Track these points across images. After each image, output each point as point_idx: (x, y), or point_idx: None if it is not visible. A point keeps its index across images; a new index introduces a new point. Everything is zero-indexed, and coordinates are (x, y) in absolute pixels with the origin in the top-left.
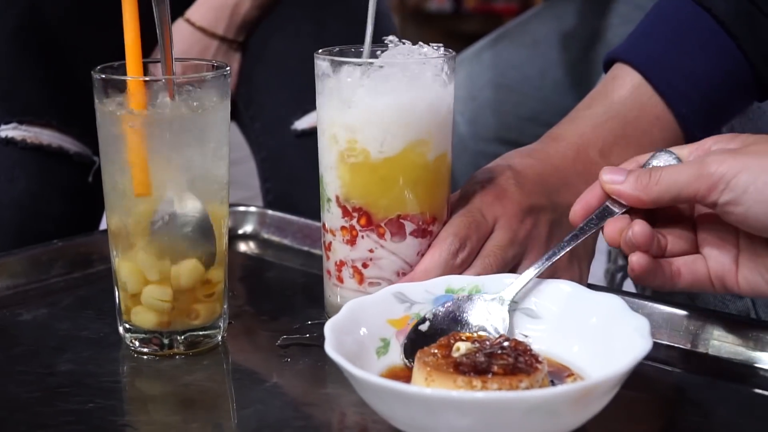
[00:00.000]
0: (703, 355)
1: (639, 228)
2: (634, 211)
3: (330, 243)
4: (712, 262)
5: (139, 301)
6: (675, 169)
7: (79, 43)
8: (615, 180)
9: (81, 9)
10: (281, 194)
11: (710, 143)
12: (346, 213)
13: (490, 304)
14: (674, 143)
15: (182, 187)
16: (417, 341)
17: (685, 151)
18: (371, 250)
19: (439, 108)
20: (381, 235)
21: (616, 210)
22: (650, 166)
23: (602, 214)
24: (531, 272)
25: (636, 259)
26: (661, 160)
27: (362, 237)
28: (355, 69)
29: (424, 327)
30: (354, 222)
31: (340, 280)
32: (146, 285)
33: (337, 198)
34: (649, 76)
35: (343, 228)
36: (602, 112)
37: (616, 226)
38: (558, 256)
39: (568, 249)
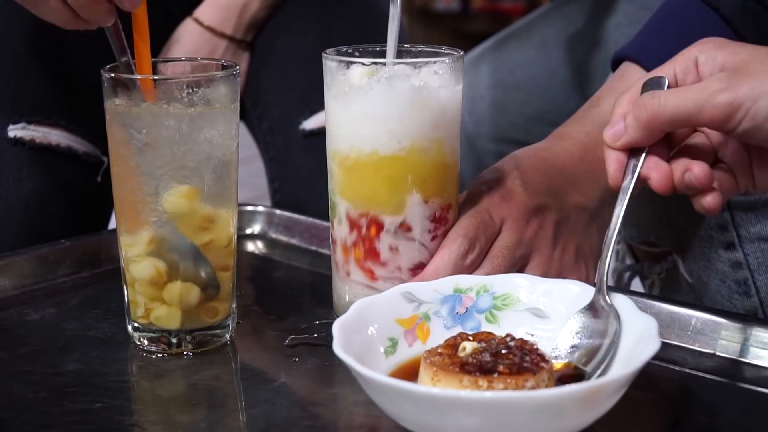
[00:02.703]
0: (711, 354)
1: (699, 169)
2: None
3: (337, 241)
4: (734, 171)
5: (161, 300)
6: (675, 94)
7: (87, 42)
8: (618, 133)
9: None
10: (289, 194)
11: (695, 51)
12: (354, 226)
13: None
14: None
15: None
16: None
17: (669, 67)
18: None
19: (448, 108)
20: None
21: (640, 155)
22: (646, 96)
23: (631, 165)
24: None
25: (710, 201)
26: (651, 87)
27: (374, 241)
28: (363, 69)
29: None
30: (364, 232)
31: (348, 273)
32: (171, 283)
33: (347, 214)
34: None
35: (354, 243)
36: (609, 111)
37: (661, 174)
38: (616, 231)
39: (622, 209)
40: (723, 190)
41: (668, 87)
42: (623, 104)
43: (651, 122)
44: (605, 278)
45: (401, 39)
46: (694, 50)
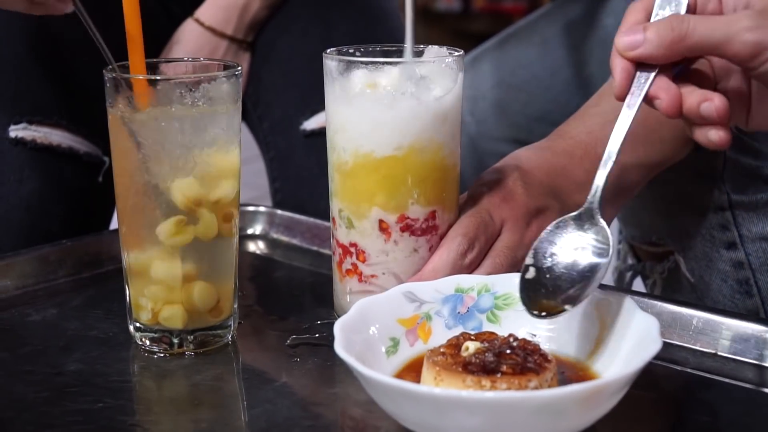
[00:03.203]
0: (712, 354)
1: (720, 102)
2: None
3: (337, 241)
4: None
5: (172, 301)
6: (704, 22)
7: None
8: (635, 43)
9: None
10: (290, 194)
11: None
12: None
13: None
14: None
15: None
16: (530, 289)
17: None
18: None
19: (449, 107)
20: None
21: (651, 72)
22: (669, 15)
23: (640, 81)
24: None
25: (723, 135)
26: (669, 2)
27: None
28: (364, 69)
29: (530, 275)
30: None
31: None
32: (189, 284)
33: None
34: None
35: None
36: (611, 110)
37: (671, 97)
38: (617, 147)
39: (626, 128)
40: None
41: (688, 7)
42: (638, 11)
43: (675, 44)
44: (600, 192)
45: (400, 39)
46: None
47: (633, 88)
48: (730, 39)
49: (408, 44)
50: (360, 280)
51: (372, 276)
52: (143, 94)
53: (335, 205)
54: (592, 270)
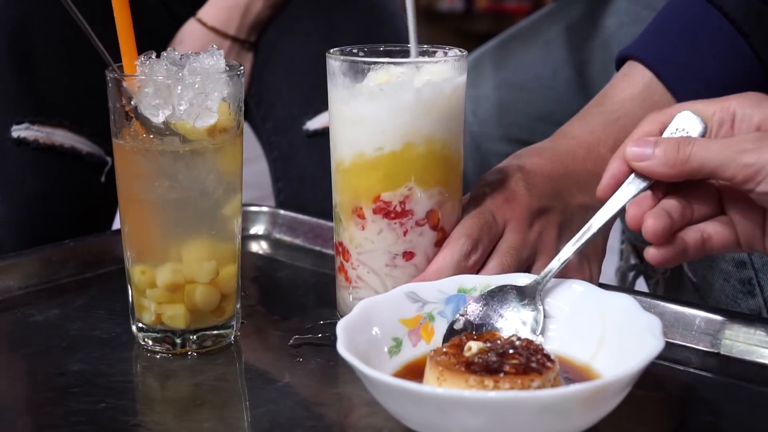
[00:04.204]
0: (715, 354)
1: (652, 224)
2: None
3: (339, 241)
4: (741, 227)
5: (175, 300)
6: (706, 146)
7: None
8: (642, 156)
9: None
10: (293, 194)
11: (734, 105)
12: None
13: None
14: None
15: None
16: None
17: (709, 110)
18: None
19: (452, 108)
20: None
21: (642, 183)
22: (677, 136)
23: (628, 188)
24: (565, 251)
25: (654, 254)
26: (685, 123)
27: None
28: (367, 69)
29: (458, 325)
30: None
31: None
32: (191, 285)
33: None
34: (661, 74)
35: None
36: (613, 110)
37: (638, 211)
38: (587, 237)
39: (599, 228)
40: (713, 243)
41: (703, 130)
42: (653, 123)
43: (678, 165)
44: (552, 274)
45: (403, 39)
46: (733, 103)
47: (623, 188)
48: (727, 162)
49: (412, 44)
50: (347, 279)
51: (357, 276)
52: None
53: (336, 204)
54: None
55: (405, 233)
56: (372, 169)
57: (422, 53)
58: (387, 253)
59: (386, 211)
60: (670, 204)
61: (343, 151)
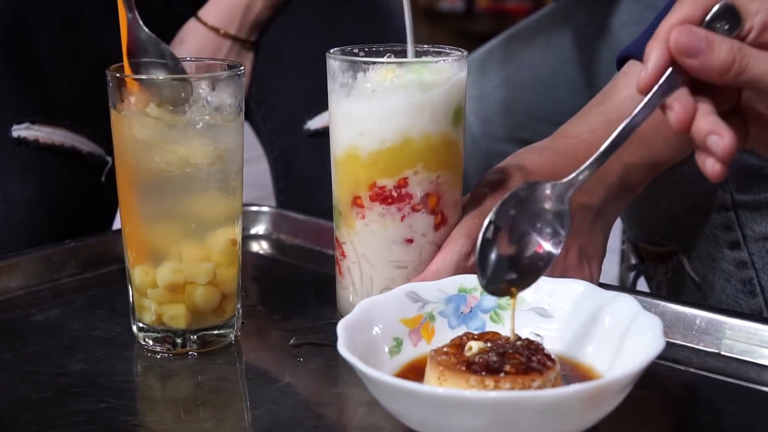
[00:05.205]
0: (715, 354)
1: (729, 142)
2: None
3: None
4: (754, 129)
5: (175, 299)
6: (763, 60)
7: (91, 42)
8: (693, 51)
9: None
10: (294, 194)
11: None
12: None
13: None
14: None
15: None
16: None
17: (752, 6)
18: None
19: (453, 107)
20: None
21: (679, 79)
22: (723, 36)
23: (667, 85)
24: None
25: (719, 170)
26: (726, 17)
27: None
28: (367, 69)
29: (489, 234)
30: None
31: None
32: (191, 285)
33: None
34: None
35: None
36: (614, 109)
37: (687, 111)
38: (622, 128)
39: (641, 120)
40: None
41: (741, 29)
42: (694, 6)
43: (732, 74)
44: (587, 173)
45: (403, 39)
46: None
47: (656, 87)
48: None
49: (409, 45)
50: (340, 273)
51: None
52: (136, 93)
53: (336, 201)
54: (544, 260)
55: (402, 218)
56: (372, 164)
57: (422, 53)
58: (385, 240)
59: (383, 197)
60: (704, 103)
61: (341, 148)
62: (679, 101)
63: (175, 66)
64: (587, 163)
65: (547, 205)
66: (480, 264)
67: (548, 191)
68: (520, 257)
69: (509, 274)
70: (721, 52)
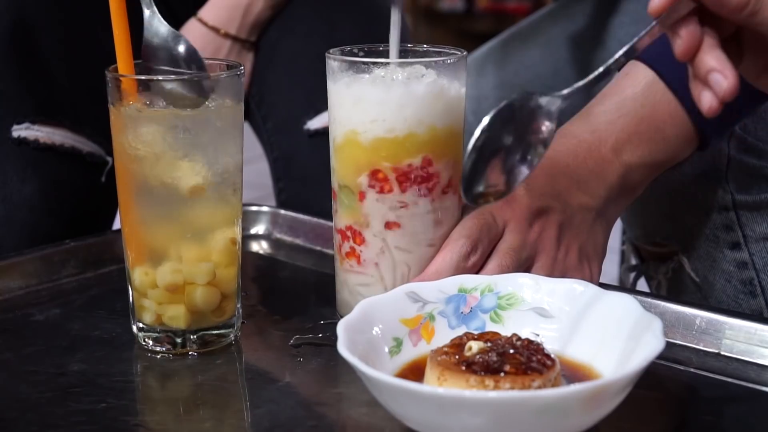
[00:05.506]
0: (715, 354)
1: (732, 84)
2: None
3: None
4: (749, 57)
5: (175, 300)
6: None
7: (91, 42)
8: None
9: (92, 8)
10: (294, 194)
11: None
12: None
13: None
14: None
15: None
16: (477, 172)
17: None
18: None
19: (452, 108)
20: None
21: (690, 3)
22: None
23: (677, 10)
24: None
25: (714, 107)
26: None
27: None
28: (367, 69)
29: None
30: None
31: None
32: (191, 285)
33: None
34: (662, 73)
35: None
36: (615, 109)
37: (691, 42)
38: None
39: (646, 42)
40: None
41: None
42: None
43: (743, 14)
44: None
45: (404, 39)
46: None
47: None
48: None
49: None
50: (359, 263)
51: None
52: (134, 94)
53: (339, 185)
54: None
55: (432, 200)
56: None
57: (422, 53)
58: (422, 217)
59: (413, 177)
60: (710, 32)
61: (340, 141)
62: (687, 29)
63: (189, 64)
64: (584, 80)
65: (537, 119)
66: (464, 171)
67: (541, 103)
68: (502, 169)
69: (489, 184)
70: None
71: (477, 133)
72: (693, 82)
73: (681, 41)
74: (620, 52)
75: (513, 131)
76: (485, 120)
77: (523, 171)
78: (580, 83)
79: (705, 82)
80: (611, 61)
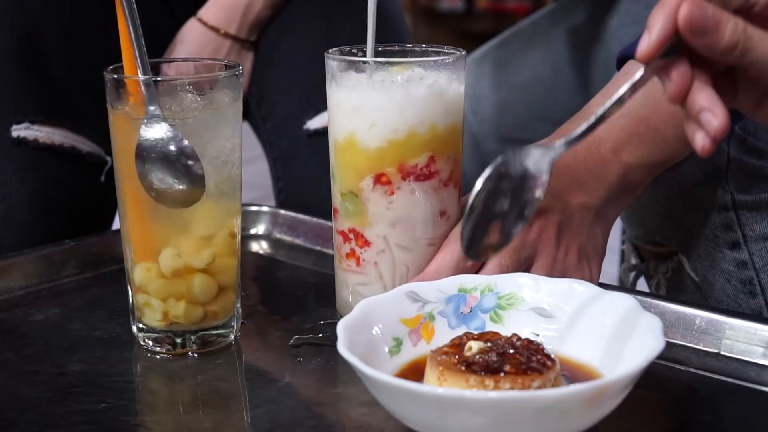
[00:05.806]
0: (715, 354)
1: (722, 122)
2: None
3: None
4: (743, 91)
5: (176, 292)
6: (765, 44)
7: (91, 42)
8: (702, 29)
9: (92, 8)
10: (293, 194)
11: None
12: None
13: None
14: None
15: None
16: (477, 230)
17: None
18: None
19: (451, 107)
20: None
21: (679, 47)
22: (740, 26)
23: (667, 53)
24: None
25: (707, 147)
26: None
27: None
28: (366, 68)
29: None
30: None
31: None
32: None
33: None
34: None
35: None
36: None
37: (682, 83)
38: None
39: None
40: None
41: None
42: None
43: (733, 56)
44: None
45: (404, 39)
46: None
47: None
48: None
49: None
50: (358, 264)
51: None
52: (137, 94)
53: (339, 188)
54: (517, 228)
55: (435, 191)
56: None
57: (422, 53)
58: (426, 212)
59: (416, 174)
60: (701, 72)
61: (340, 142)
62: (677, 70)
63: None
64: (579, 129)
65: (531, 173)
66: (463, 230)
67: (535, 157)
68: (501, 230)
69: (488, 240)
70: (727, 33)
71: (471, 198)
72: (686, 122)
73: (672, 84)
74: (611, 102)
75: (508, 193)
76: (479, 183)
77: (520, 227)
78: (578, 132)
79: (696, 123)
80: (603, 110)
